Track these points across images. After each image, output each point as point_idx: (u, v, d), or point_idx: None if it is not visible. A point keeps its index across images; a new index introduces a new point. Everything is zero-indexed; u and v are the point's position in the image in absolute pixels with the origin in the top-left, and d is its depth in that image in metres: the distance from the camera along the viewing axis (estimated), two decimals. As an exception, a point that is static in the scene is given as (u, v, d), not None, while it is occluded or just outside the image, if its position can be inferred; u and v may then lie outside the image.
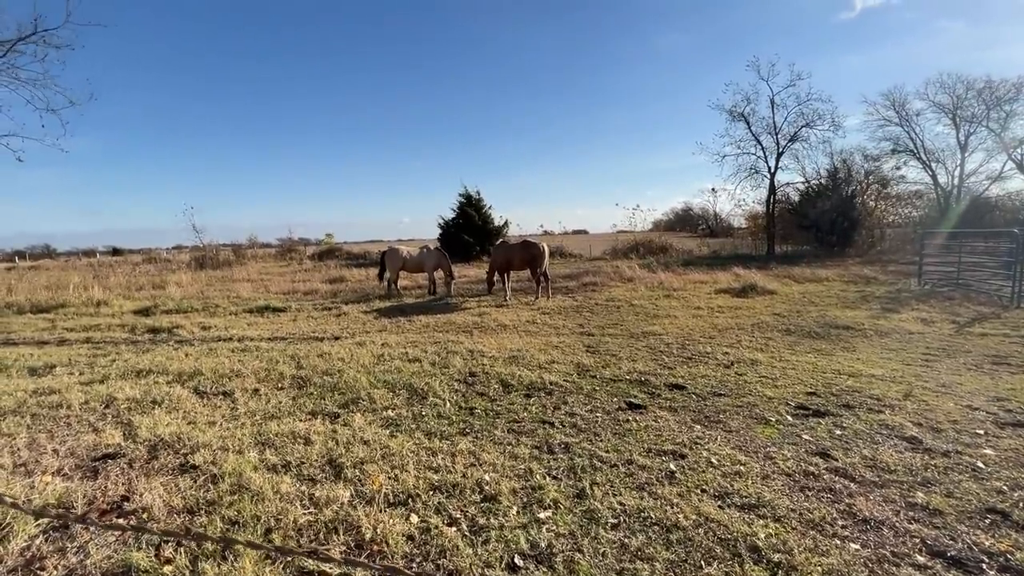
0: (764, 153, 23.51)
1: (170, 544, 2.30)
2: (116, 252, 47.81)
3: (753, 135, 23.55)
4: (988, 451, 3.21)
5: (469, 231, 24.59)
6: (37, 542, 2.36)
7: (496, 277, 11.50)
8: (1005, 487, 2.77)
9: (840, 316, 8.06)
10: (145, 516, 2.55)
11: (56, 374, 5.46)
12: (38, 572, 2.16)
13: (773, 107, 22.95)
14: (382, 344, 6.69)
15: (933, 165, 25.34)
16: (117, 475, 3.04)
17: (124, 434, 3.67)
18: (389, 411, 4.14)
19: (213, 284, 15.37)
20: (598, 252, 25.01)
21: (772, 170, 23.27)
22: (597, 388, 4.69)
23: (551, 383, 4.81)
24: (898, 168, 25.50)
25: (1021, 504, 2.59)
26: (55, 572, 2.15)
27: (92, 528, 2.46)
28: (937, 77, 24.86)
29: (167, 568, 2.14)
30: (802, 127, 22.68)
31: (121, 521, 2.52)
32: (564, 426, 3.78)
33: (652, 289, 11.84)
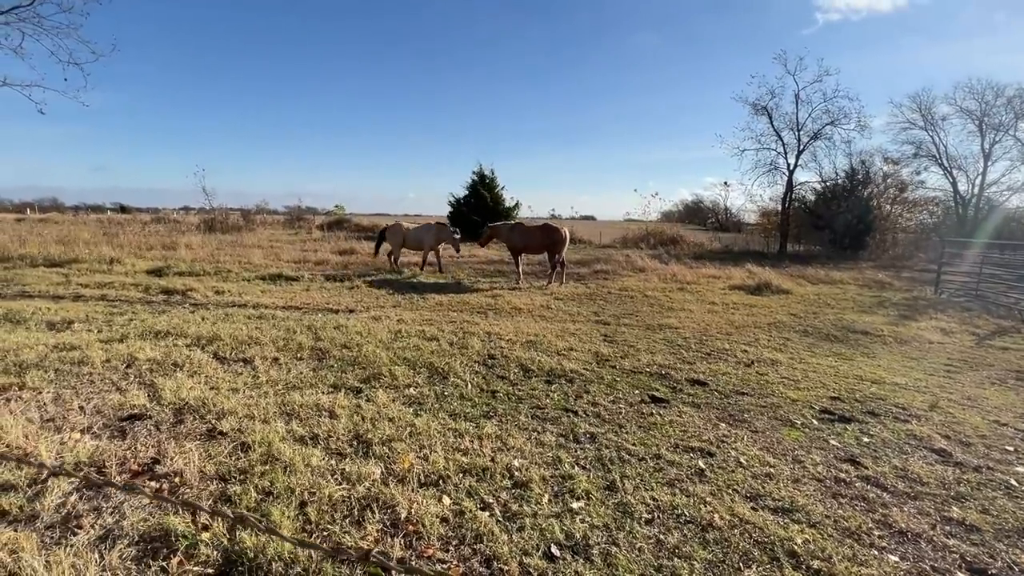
0: (784, 149, 23.13)
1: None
2: (124, 209, 47.71)
3: (775, 130, 23.14)
4: (1020, 469, 3.17)
5: (480, 210, 24.42)
6: (72, 499, 2.36)
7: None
8: (1040, 507, 2.74)
9: (857, 320, 7.99)
10: (178, 480, 2.54)
11: (75, 330, 5.45)
12: (75, 530, 2.15)
13: (798, 102, 22.49)
14: (398, 320, 6.66)
15: (954, 172, 24.95)
16: (146, 437, 3.03)
17: (148, 395, 3.65)
18: (411, 389, 4.12)
19: (223, 248, 15.31)
20: (607, 240, 24.84)
21: (791, 167, 22.91)
22: (618, 379, 4.65)
23: (571, 371, 4.78)
24: (918, 173, 25.09)
25: (1058, 525, 2.56)
26: (91, 532, 2.14)
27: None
28: (966, 82, 24.29)
29: (205, 535, 2.13)
30: (826, 124, 22.25)
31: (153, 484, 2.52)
32: (588, 415, 3.75)
33: (665, 281, 11.76)
